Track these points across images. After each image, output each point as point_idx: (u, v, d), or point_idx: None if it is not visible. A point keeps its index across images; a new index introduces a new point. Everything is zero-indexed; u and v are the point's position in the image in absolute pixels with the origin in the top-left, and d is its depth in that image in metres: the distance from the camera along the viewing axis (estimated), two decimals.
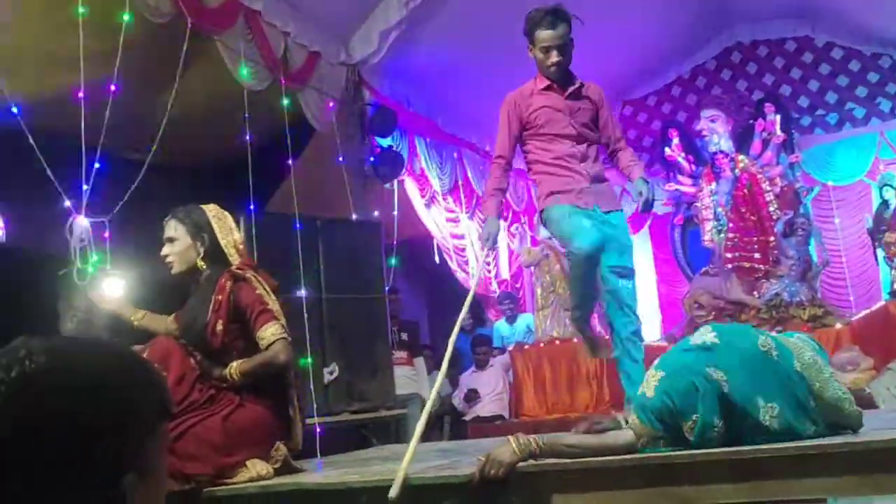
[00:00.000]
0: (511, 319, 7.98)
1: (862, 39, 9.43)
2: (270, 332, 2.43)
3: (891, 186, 7.51)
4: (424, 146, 7.78)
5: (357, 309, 5.21)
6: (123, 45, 4.17)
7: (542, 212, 3.19)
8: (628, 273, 3.18)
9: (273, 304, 2.53)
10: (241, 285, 2.51)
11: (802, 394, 2.13)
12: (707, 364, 2.08)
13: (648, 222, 10.16)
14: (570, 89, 3.22)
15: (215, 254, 2.60)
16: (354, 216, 6.19)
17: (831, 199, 9.43)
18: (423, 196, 7.61)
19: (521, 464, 2.09)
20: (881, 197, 7.78)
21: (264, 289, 2.55)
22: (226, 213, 2.71)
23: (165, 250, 2.65)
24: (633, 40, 9.01)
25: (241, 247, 2.66)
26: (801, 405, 2.11)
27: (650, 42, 9.41)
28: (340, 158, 6.37)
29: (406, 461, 2.13)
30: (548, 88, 3.23)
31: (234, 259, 2.61)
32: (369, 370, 5.14)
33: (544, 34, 3.13)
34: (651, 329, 9.48)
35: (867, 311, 7.23)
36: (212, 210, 2.68)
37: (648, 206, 3.24)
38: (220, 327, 2.47)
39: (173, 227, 2.62)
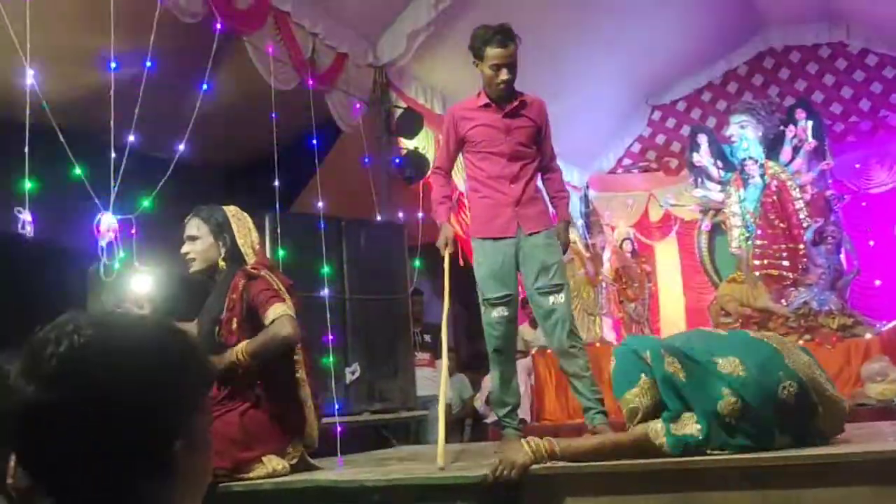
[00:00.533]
0: (535, 323, 7.95)
1: None
2: (273, 311, 2.46)
3: None
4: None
5: (380, 310, 5.24)
6: (154, 43, 4.24)
7: (471, 237, 3.32)
8: (556, 289, 3.20)
9: (287, 299, 2.55)
10: (254, 282, 2.54)
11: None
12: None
13: (675, 227, 10.08)
14: (508, 108, 3.26)
15: (234, 254, 2.64)
16: (379, 217, 6.22)
17: (863, 206, 9.27)
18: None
19: (534, 466, 2.09)
20: None
21: (277, 286, 2.57)
22: (245, 213, 2.75)
23: (186, 248, 2.69)
24: (663, 44, 8.95)
25: (257, 247, 2.70)
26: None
27: (680, 46, 9.34)
28: (366, 160, 6.41)
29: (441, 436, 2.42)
30: (486, 106, 3.29)
31: (251, 259, 2.65)
32: (391, 371, 5.16)
33: (496, 52, 3.19)
34: None
35: None
36: (232, 210, 2.72)
37: (564, 250, 3.36)
38: (234, 325, 2.51)
39: (196, 226, 2.66)
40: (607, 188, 10.54)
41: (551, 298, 3.17)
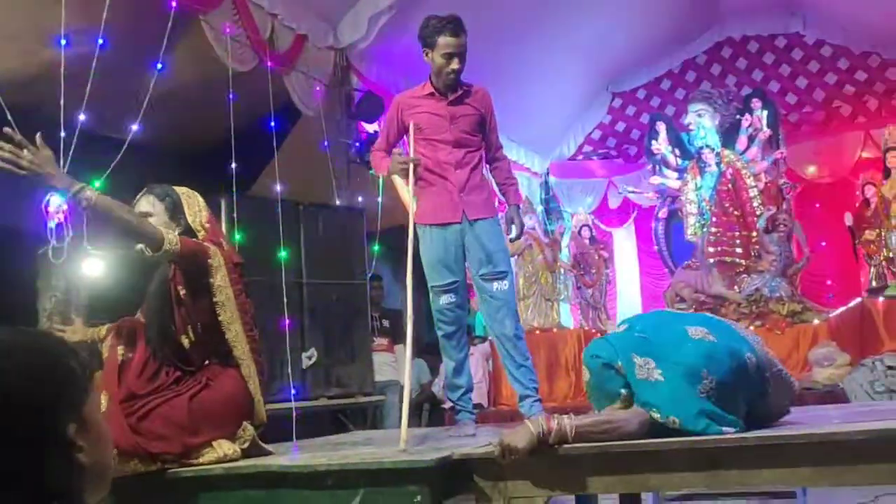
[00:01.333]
0: None
1: (852, 38, 9.48)
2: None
3: (873, 185, 7.57)
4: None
5: (338, 295, 5.22)
6: (107, 21, 4.14)
7: (416, 225, 3.26)
8: (500, 276, 3.24)
9: (219, 261, 2.52)
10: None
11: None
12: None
13: (633, 215, 10.22)
14: (452, 96, 3.28)
15: (187, 234, 2.60)
16: (338, 202, 6.19)
17: (815, 196, 9.49)
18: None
19: (483, 449, 2.11)
20: (863, 195, 7.84)
21: (223, 263, 2.53)
22: (195, 193, 2.71)
23: None
24: (623, 32, 9.03)
25: (207, 224, 2.66)
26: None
27: (641, 35, 9.43)
28: (326, 143, 6.36)
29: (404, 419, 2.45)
30: (431, 95, 3.31)
31: (201, 236, 2.61)
32: (348, 356, 5.16)
33: (449, 40, 3.20)
34: None
35: (845, 307, 7.30)
36: (183, 190, 2.68)
37: (519, 235, 3.40)
38: (182, 294, 2.47)
39: (150, 203, 2.60)
40: (567, 175, 10.63)
41: (495, 285, 3.21)
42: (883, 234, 7.23)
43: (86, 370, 0.95)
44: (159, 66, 4.69)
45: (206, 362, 2.54)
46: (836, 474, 1.98)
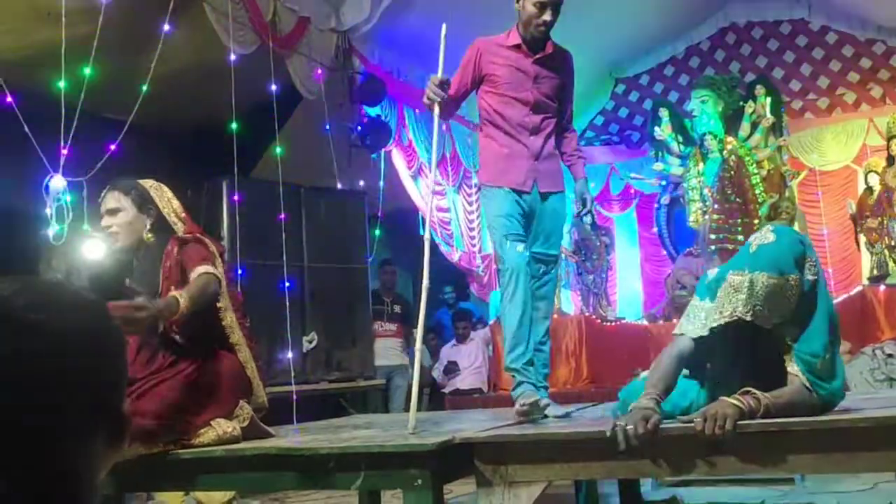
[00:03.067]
0: None
1: (857, 24, 9.40)
2: (201, 268, 2.39)
3: (876, 173, 7.54)
4: (413, 117, 7.73)
5: (339, 278, 5.22)
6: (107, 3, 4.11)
7: (481, 184, 3.05)
8: (550, 260, 3.02)
9: (218, 265, 2.51)
10: (188, 247, 2.49)
11: None
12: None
13: (635, 201, 10.18)
14: (540, 54, 3.03)
15: (161, 224, 2.58)
16: (339, 185, 6.17)
17: (817, 183, 9.46)
18: (409, 167, 7.58)
19: (485, 434, 2.12)
20: (866, 183, 7.81)
21: (212, 251, 2.53)
22: (161, 184, 2.69)
23: (108, 221, 2.56)
24: (627, 17, 8.96)
25: (182, 214, 2.63)
26: None
27: (645, 20, 9.36)
28: (327, 127, 6.34)
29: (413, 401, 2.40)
30: (517, 47, 3.05)
31: (179, 227, 2.59)
32: (349, 340, 5.17)
33: None
34: (633, 307, 9.55)
35: (846, 295, 7.30)
36: (149, 182, 2.66)
37: (589, 211, 3.14)
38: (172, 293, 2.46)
39: (116, 199, 2.57)
40: None
41: (542, 267, 2.98)
42: (885, 222, 7.21)
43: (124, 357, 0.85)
44: (160, 47, 4.66)
45: (202, 348, 2.54)
46: (836, 462, 1.99)
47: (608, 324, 7.86)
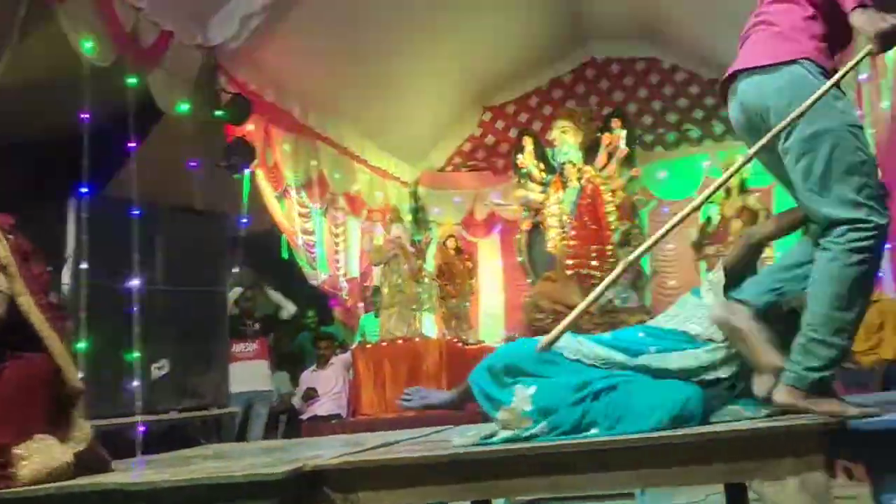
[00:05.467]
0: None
1: (703, 65, 10.17)
2: None
3: (715, 203, 8.15)
4: (280, 137, 7.64)
5: (196, 302, 5.05)
6: None
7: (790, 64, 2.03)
8: None
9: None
10: None
11: None
12: None
13: (499, 227, 10.50)
14: None
15: None
16: (200, 206, 6.00)
17: (665, 213, 10.11)
18: (275, 189, 7.48)
19: (336, 460, 2.12)
20: (706, 213, 8.43)
21: (4, 254, 2.26)
22: None
23: None
24: (496, 49, 9.29)
25: None
26: None
27: (512, 52, 9.74)
28: (189, 145, 6.16)
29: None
30: None
31: None
32: (204, 365, 5.00)
33: None
34: (495, 331, 9.79)
35: None
36: None
37: None
38: None
39: None
40: (437, 185, 10.79)
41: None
42: (723, 250, 7.80)
43: None
44: (7, 55, 4.40)
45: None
46: (671, 476, 2.12)
47: (469, 346, 8.02)
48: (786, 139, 2.02)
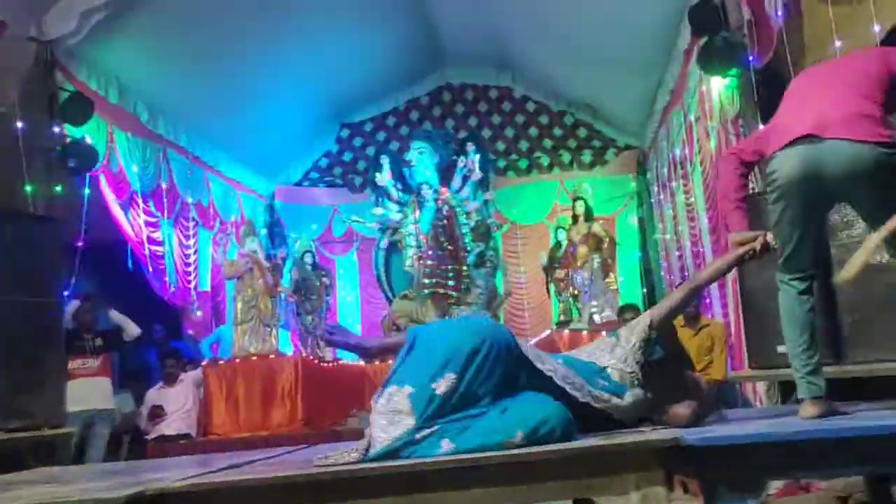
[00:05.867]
0: None
1: (552, 96, 10.67)
2: None
3: (564, 229, 8.53)
4: (125, 142, 7.23)
5: (26, 314, 4.63)
6: None
7: None
8: None
9: None
10: None
11: None
12: None
13: (356, 244, 10.45)
14: None
15: None
16: (34, 210, 5.54)
17: (517, 236, 10.47)
18: (120, 196, 7.05)
19: (179, 483, 2.00)
20: (556, 238, 8.80)
21: None
22: None
23: None
24: (356, 67, 9.28)
25: None
26: None
27: (372, 71, 9.77)
28: (21, 144, 5.68)
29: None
30: None
31: None
32: (35, 383, 4.59)
33: None
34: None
35: (537, 338, 8.09)
36: None
37: None
38: None
39: None
40: (293, 200, 10.60)
41: None
42: (570, 273, 8.17)
43: None
44: None
45: None
46: (524, 492, 2.17)
47: (326, 364, 7.90)
48: None
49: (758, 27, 5.08)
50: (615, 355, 2.42)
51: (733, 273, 4.10)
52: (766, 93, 5.11)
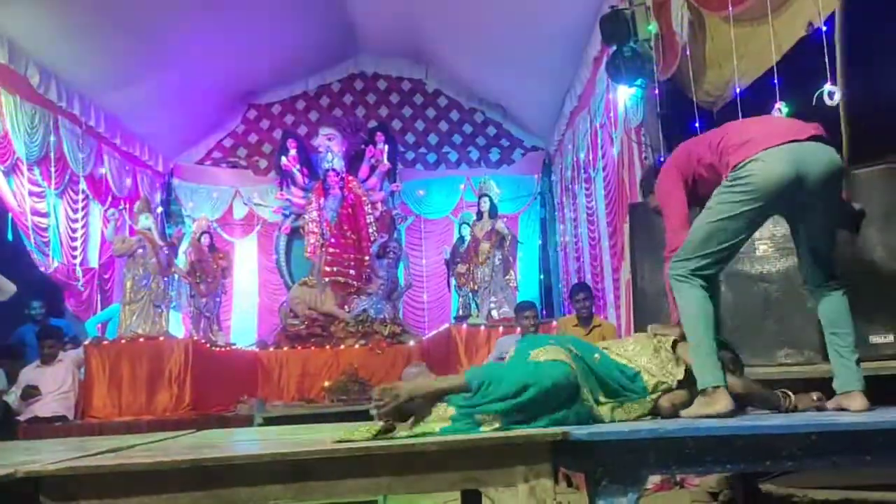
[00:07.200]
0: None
1: (463, 93, 10.74)
2: None
3: (468, 224, 8.61)
4: (13, 104, 6.80)
5: None
6: None
7: None
8: None
9: None
10: None
11: None
12: None
13: (258, 228, 10.21)
14: None
15: None
16: None
17: (422, 229, 10.49)
18: (1, 162, 6.63)
19: (54, 466, 1.90)
20: (459, 233, 8.88)
21: None
22: None
23: None
24: (266, 46, 9.03)
25: None
26: None
27: (282, 52, 9.53)
28: None
29: None
30: None
31: None
32: None
33: None
34: (248, 334, 9.49)
35: (436, 331, 8.15)
36: None
37: None
38: None
39: None
40: (193, 179, 10.25)
41: None
42: (472, 268, 8.25)
43: None
44: None
45: None
46: (411, 483, 2.18)
47: (217, 349, 7.69)
48: None
49: (664, 41, 5.27)
50: (654, 361, 2.50)
51: (627, 276, 4.23)
52: (667, 104, 5.32)
